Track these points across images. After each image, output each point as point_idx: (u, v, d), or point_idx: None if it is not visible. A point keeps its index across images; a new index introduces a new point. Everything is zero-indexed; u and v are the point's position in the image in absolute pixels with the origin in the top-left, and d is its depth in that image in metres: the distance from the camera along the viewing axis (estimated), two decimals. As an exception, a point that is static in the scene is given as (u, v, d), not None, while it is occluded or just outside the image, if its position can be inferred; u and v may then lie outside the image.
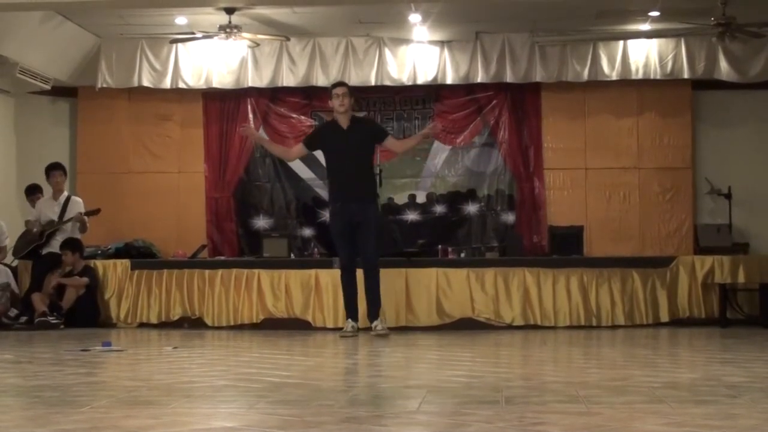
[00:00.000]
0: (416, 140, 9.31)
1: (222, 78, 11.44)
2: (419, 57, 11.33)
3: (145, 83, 11.43)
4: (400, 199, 11.70)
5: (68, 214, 9.98)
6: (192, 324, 9.65)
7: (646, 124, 11.66)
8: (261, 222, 11.92)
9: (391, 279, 9.03)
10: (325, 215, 11.70)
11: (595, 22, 10.64)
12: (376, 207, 8.63)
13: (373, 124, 9.03)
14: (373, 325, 8.37)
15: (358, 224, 8.36)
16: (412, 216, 11.64)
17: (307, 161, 11.90)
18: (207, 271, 9.78)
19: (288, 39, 10.93)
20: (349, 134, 8.47)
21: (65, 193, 10.25)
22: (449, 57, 11.32)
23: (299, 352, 7.09)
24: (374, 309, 8.43)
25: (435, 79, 11.33)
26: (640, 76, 11.23)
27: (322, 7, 10.03)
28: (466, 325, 9.25)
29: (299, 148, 8.94)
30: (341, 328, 9.18)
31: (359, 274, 8.54)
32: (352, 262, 8.48)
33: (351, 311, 8.46)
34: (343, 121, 8.51)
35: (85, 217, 9.99)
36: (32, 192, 10.60)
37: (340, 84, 8.85)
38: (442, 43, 11.30)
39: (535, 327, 9.30)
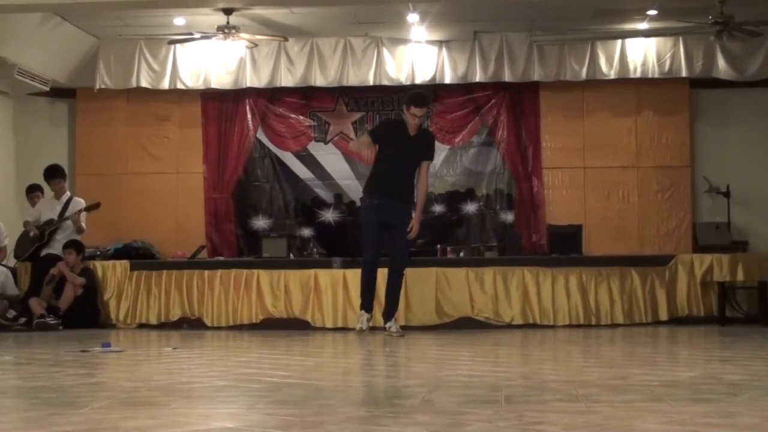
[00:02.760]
0: (420, 209, 8.55)
1: (220, 78, 11.45)
2: (417, 57, 11.34)
3: (144, 84, 11.43)
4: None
5: (68, 214, 9.99)
6: (191, 324, 9.65)
7: (645, 122, 11.67)
8: (260, 222, 11.92)
9: (390, 279, 9.03)
10: (324, 215, 11.75)
11: (593, 21, 10.65)
12: (410, 212, 8.49)
13: (431, 141, 8.60)
14: (387, 325, 8.32)
15: (392, 225, 8.27)
16: (410, 215, 11.62)
17: (304, 161, 11.93)
18: (206, 272, 9.78)
19: (286, 39, 10.92)
20: (414, 141, 8.32)
21: (67, 194, 10.28)
22: (447, 57, 11.33)
23: (298, 352, 7.08)
24: (392, 310, 8.39)
25: (433, 78, 11.34)
26: (638, 74, 11.24)
27: (320, 7, 10.03)
28: (466, 325, 9.25)
29: (367, 140, 8.66)
30: (341, 328, 9.21)
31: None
32: (377, 260, 8.38)
33: (367, 304, 8.41)
34: (412, 128, 8.34)
35: (84, 213, 9.98)
36: (32, 190, 10.63)
37: (421, 104, 8.25)
38: (440, 43, 11.31)
39: (535, 326, 9.30)
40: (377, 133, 8.62)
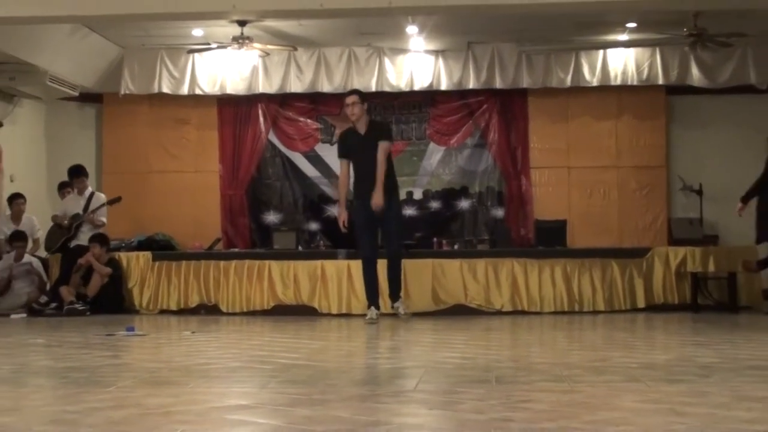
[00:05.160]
0: (379, 183, 8.31)
1: (235, 85, 11.45)
2: (416, 65, 11.33)
3: (165, 90, 11.44)
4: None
5: (92, 208, 10.03)
6: (208, 310, 9.64)
7: (624, 126, 11.66)
8: (271, 217, 11.92)
9: (390, 269, 9.01)
10: (330, 211, 11.76)
11: (577, 32, 10.63)
12: (396, 201, 8.46)
13: (383, 127, 8.70)
14: (395, 306, 8.33)
15: (381, 219, 8.23)
16: (409, 211, 11.62)
17: (312, 161, 11.94)
18: (222, 262, 9.77)
19: (295, 49, 10.92)
20: (366, 138, 8.31)
21: (89, 189, 10.29)
22: (443, 65, 11.32)
23: (306, 336, 7.08)
24: (396, 291, 8.38)
25: (430, 85, 11.33)
26: (618, 82, 11.24)
27: (326, 19, 10.01)
28: (460, 311, 9.23)
29: (344, 164, 8.49)
30: (345, 314, 9.19)
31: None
32: (374, 253, 8.34)
33: (373, 299, 8.33)
34: (361, 127, 8.35)
35: (103, 208, 10.01)
36: (64, 186, 10.70)
37: (350, 93, 8.63)
38: (436, 53, 11.30)
39: (523, 313, 9.28)
40: (340, 150, 8.61)
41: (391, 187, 8.36)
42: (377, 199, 8.13)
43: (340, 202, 8.59)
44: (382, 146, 8.29)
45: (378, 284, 8.46)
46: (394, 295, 8.41)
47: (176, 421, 3.12)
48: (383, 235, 8.37)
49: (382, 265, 8.48)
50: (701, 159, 11.55)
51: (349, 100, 8.39)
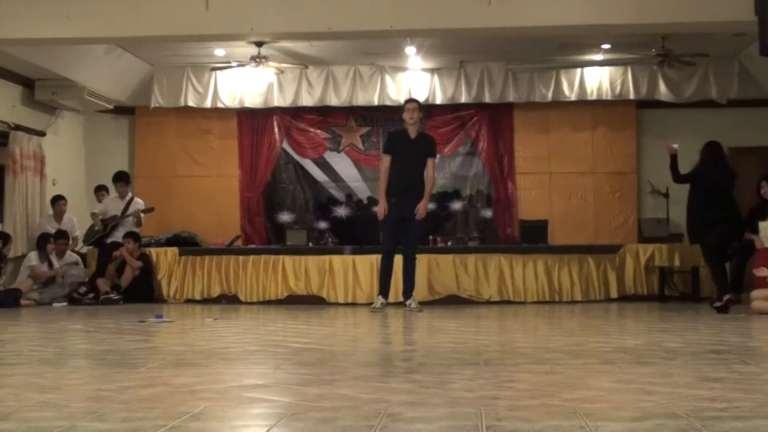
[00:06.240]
0: (427, 196, 8.30)
1: (253, 99, 11.45)
2: (414, 82, 11.33)
3: (190, 103, 11.44)
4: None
5: (129, 212, 10.02)
6: (229, 300, 9.65)
7: (599, 136, 11.66)
8: (285, 217, 11.92)
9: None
10: (337, 211, 11.77)
11: (558, 53, 10.64)
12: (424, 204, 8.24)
13: (431, 142, 8.46)
14: (408, 302, 8.16)
15: (407, 220, 8.09)
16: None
17: (321, 167, 11.93)
18: (241, 257, 9.78)
19: (307, 67, 10.93)
20: (415, 143, 8.20)
21: (129, 194, 10.27)
22: (438, 82, 11.32)
23: (316, 323, 7.08)
24: (409, 289, 8.22)
25: (426, 100, 11.31)
26: (594, 97, 11.24)
27: (334, 40, 10.02)
28: (452, 301, 9.24)
29: (386, 160, 8.27)
30: (351, 303, 9.18)
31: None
32: (394, 248, 8.22)
33: (384, 289, 8.21)
34: (412, 132, 8.22)
35: (141, 214, 10.02)
36: (99, 189, 10.73)
37: (411, 100, 8.50)
38: (432, 71, 11.30)
39: (509, 302, 9.29)
40: (387, 147, 8.47)
41: (421, 192, 8.21)
42: (422, 210, 8.07)
43: (381, 194, 8.25)
44: (432, 163, 8.23)
45: (391, 278, 8.34)
46: (408, 293, 8.26)
47: (199, 398, 3.12)
48: (403, 233, 8.21)
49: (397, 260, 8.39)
50: (668, 166, 11.52)
51: (410, 106, 8.27)
